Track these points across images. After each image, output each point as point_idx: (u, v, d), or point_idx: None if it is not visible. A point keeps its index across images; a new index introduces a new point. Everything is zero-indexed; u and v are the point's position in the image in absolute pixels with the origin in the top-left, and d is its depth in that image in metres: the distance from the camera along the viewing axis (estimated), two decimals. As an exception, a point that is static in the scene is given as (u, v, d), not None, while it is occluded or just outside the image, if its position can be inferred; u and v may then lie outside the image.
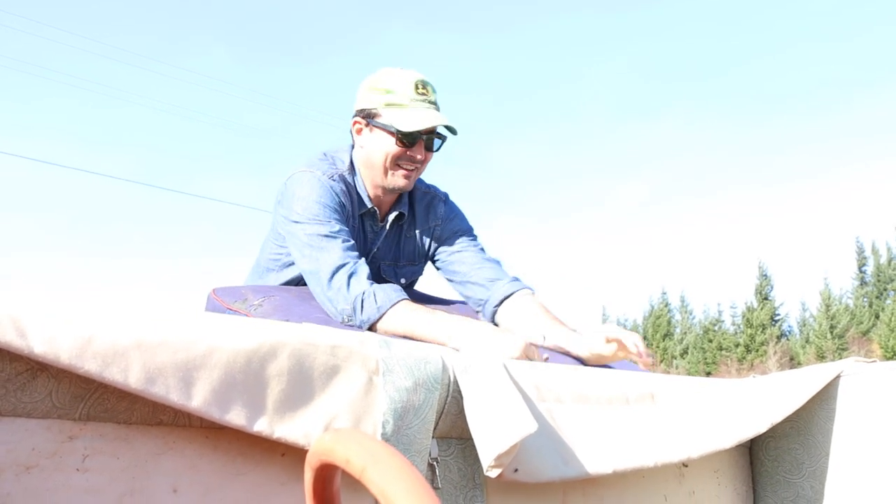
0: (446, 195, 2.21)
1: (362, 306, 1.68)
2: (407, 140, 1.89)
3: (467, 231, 2.17)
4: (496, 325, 1.96)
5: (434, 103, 1.93)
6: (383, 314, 1.67)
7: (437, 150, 1.99)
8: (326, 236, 1.79)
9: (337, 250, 1.77)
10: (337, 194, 1.89)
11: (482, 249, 2.15)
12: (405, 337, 1.63)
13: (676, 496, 1.47)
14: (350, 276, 1.73)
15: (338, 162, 1.98)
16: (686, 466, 1.50)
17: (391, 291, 1.71)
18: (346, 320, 1.70)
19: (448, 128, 1.94)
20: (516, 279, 2.03)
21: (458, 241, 2.13)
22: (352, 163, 2.01)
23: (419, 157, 1.93)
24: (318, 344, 0.97)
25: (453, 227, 2.16)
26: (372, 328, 1.69)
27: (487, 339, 1.58)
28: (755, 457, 1.66)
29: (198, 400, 0.85)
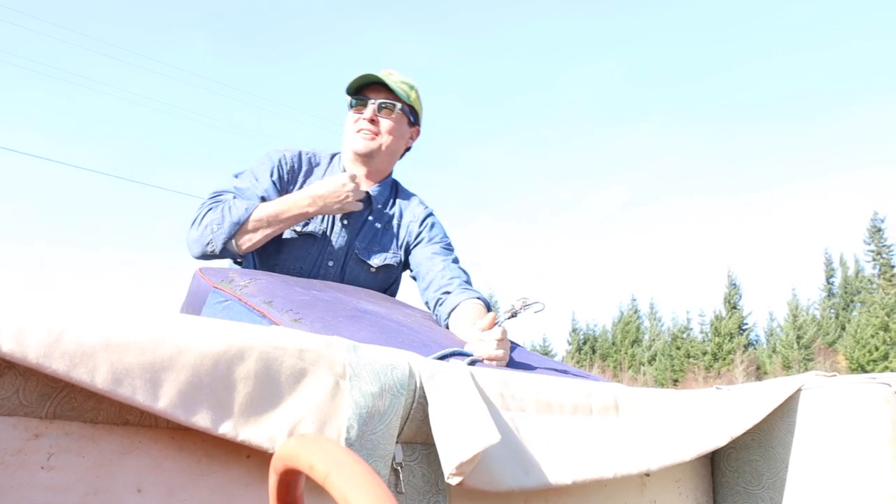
0: (431, 209, 2.29)
1: (230, 211, 1.89)
2: (356, 104, 2.15)
3: (442, 239, 2.22)
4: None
5: (386, 77, 2.13)
6: (253, 209, 1.90)
7: (395, 115, 2.15)
8: (220, 192, 2.01)
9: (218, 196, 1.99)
10: (280, 164, 2.10)
11: (455, 260, 2.17)
12: (272, 222, 1.92)
13: None
14: (213, 196, 1.96)
15: (313, 151, 2.21)
16: (648, 476, 1.52)
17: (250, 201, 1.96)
18: (216, 229, 1.86)
19: (382, 84, 2.13)
20: (468, 289, 2.01)
21: (430, 246, 2.18)
22: (334, 154, 2.23)
23: (368, 117, 2.12)
24: (287, 347, 0.98)
25: (431, 233, 2.21)
26: (242, 227, 1.89)
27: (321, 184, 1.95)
28: (716, 467, 1.69)
29: (164, 401, 0.85)
